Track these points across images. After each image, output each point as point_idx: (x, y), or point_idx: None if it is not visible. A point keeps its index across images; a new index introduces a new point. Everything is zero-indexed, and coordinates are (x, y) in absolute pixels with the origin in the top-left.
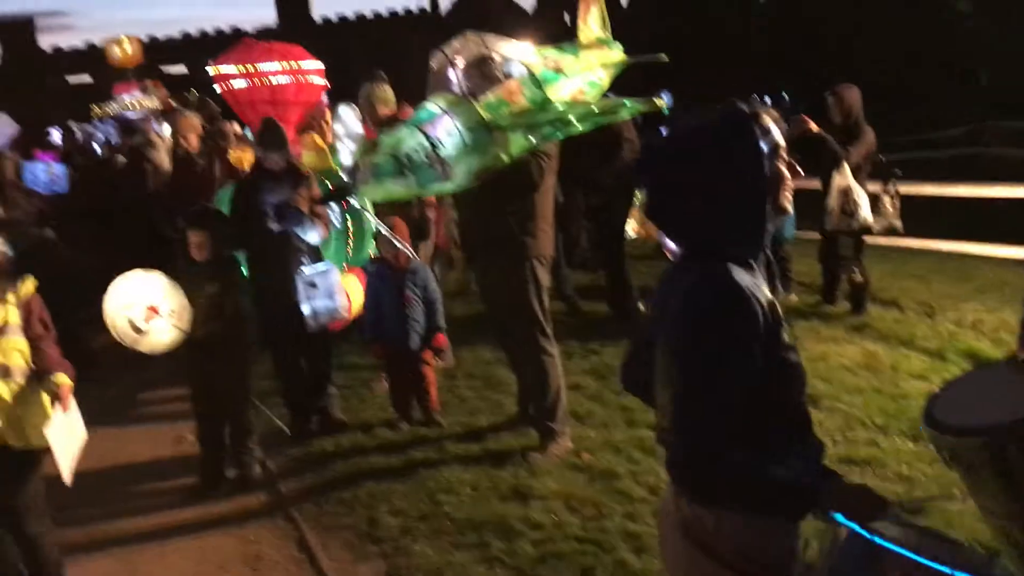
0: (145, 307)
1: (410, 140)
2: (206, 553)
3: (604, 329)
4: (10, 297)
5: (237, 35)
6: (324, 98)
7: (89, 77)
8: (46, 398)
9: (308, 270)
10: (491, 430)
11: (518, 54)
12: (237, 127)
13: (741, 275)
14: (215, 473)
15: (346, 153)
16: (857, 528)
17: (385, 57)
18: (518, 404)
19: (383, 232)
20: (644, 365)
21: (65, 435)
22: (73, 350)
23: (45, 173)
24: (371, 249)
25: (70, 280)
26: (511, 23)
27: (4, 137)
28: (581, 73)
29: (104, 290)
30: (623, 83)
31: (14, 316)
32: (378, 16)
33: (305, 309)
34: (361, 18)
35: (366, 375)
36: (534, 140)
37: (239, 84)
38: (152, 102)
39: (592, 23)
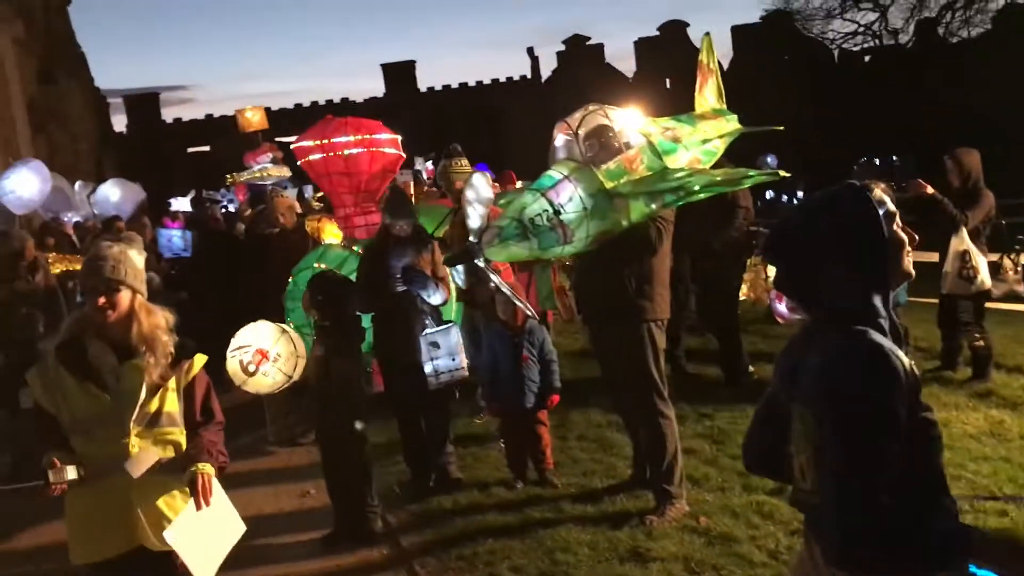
0: (256, 351)
1: (534, 205)
2: None
3: (717, 393)
4: (171, 383)
5: (346, 105)
6: (427, 166)
7: (207, 147)
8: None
9: (431, 330)
10: (606, 492)
11: (637, 125)
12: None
13: (880, 337)
14: (344, 527)
15: (475, 217)
16: None
17: (486, 123)
18: (632, 467)
19: (503, 292)
20: (766, 440)
21: (197, 534)
22: None
23: (180, 239)
24: (452, 312)
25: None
26: (611, 88)
27: (134, 204)
28: (698, 144)
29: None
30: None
31: (173, 403)
32: (479, 84)
33: (427, 368)
34: (463, 86)
35: (481, 435)
36: (654, 207)
37: (316, 156)
38: (281, 171)
39: (708, 94)
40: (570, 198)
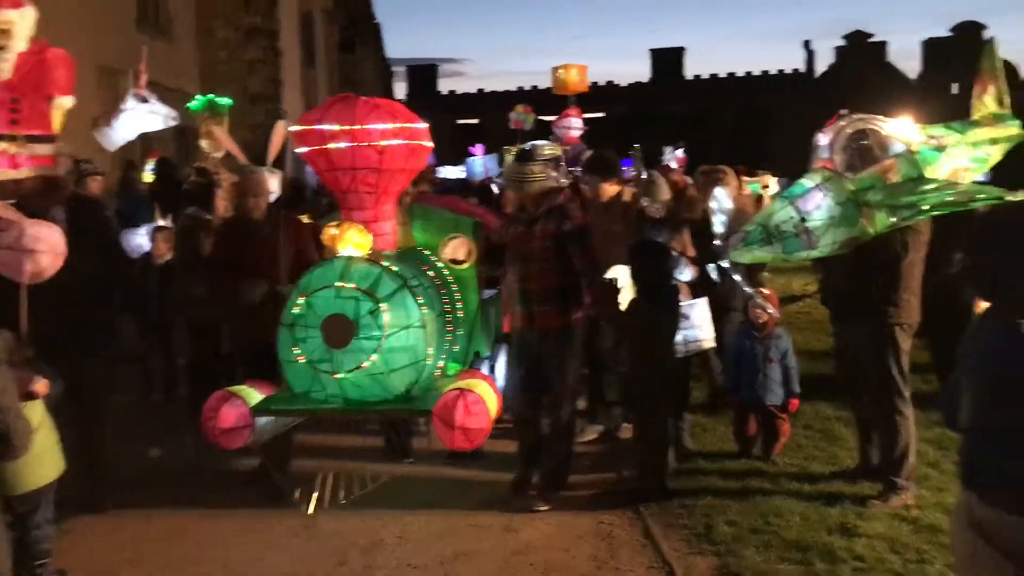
0: None
1: (781, 212)
2: (567, 525)
3: None
4: None
5: (610, 88)
6: (677, 154)
7: (476, 119)
8: None
9: (683, 303)
10: (824, 476)
11: (901, 133)
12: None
13: None
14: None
15: (719, 225)
16: None
17: (753, 116)
18: (860, 457)
19: (753, 296)
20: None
21: None
22: None
23: None
24: (483, 348)
25: None
26: (890, 89)
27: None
28: (966, 151)
29: None
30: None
31: None
32: (749, 75)
33: (677, 337)
34: (731, 76)
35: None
36: (894, 220)
37: (338, 145)
38: (556, 150)
39: (988, 99)
40: (818, 206)
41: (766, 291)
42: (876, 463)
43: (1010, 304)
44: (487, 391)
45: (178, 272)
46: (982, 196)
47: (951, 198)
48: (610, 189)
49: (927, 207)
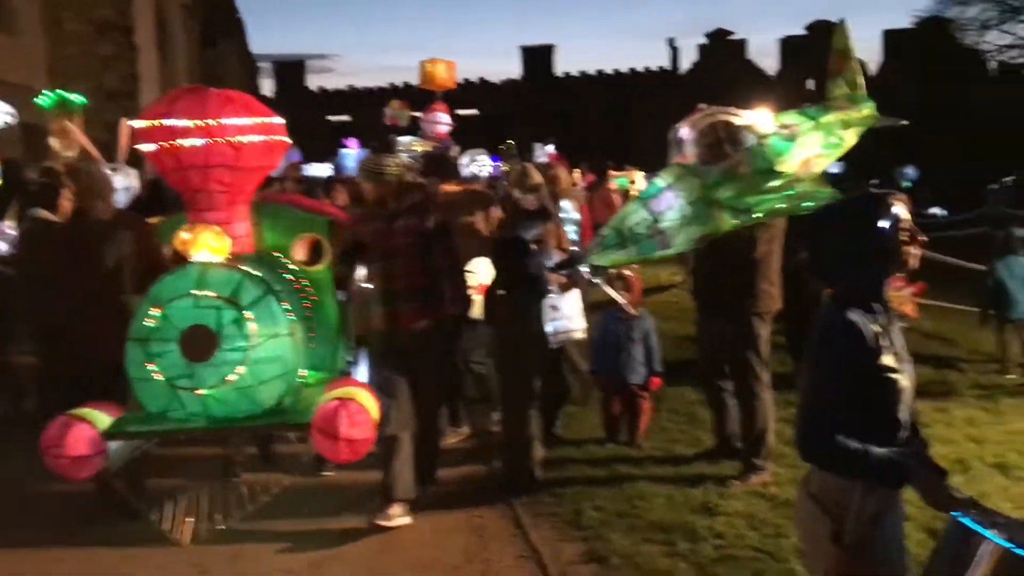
0: None
1: (635, 215)
2: (438, 521)
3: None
4: None
5: (484, 86)
6: (547, 150)
7: (348, 116)
8: None
9: (552, 294)
10: (688, 458)
11: (755, 125)
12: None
13: (854, 313)
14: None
15: (572, 233)
16: (959, 517)
17: (621, 112)
18: (716, 438)
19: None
20: None
21: None
22: None
23: None
24: (344, 354)
25: None
26: (750, 85)
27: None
28: (819, 137)
29: None
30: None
31: None
32: (616, 72)
33: (548, 328)
34: (600, 73)
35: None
36: (736, 222)
37: (192, 142)
38: (424, 146)
39: (842, 80)
40: (670, 206)
41: (628, 273)
42: (735, 444)
43: (839, 295)
44: (367, 398)
45: (20, 277)
46: (809, 204)
47: (782, 205)
48: (449, 189)
49: (759, 214)
